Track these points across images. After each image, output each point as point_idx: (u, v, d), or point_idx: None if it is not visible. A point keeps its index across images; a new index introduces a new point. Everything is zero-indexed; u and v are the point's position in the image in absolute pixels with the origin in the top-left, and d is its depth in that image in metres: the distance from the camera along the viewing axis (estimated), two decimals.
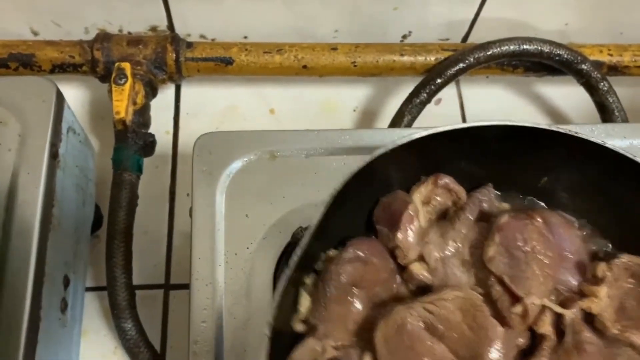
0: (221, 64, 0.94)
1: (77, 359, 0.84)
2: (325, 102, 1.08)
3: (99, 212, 0.95)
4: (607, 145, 0.60)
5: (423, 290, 0.61)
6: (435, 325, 0.57)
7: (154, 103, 0.99)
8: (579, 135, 0.60)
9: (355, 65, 0.97)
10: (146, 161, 0.98)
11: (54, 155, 0.76)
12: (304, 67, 0.95)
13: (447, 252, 0.62)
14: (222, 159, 0.75)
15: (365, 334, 0.60)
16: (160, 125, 1.02)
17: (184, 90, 1.07)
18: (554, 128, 0.61)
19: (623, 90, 1.02)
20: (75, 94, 1.05)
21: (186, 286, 0.94)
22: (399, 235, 0.61)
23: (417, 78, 0.99)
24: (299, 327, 0.61)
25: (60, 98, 0.79)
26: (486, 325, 0.56)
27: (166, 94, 1.06)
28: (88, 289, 0.93)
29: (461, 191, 0.65)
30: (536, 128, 0.61)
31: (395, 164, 0.63)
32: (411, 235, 0.62)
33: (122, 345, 0.82)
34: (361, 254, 0.62)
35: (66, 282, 0.79)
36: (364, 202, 0.65)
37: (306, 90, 1.08)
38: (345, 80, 1.05)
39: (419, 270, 0.61)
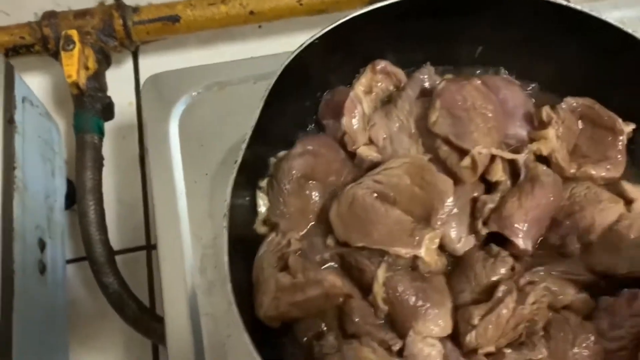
0: (168, 22, 0.95)
1: (65, 323, 0.85)
2: None
3: (72, 187, 0.96)
4: None
5: None
6: (387, 193, 0.57)
7: (114, 77, 1.00)
8: None
9: (301, 5, 0.97)
10: (113, 132, 1.00)
11: (10, 120, 0.77)
12: (251, 13, 0.96)
13: (393, 129, 0.62)
14: (171, 96, 0.76)
15: (325, 222, 0.60)
16: (122, 97, 1.03)
17: (142, 61, 1.08)
18: None
19: None
20: (39, 81, 1.06)
21: None
22: (344, 121, 0.62)
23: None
24: (261, 229, 0.62)
25: (9, 68, 0.80)
26: (435, 181, 0.56)
27: (125, 67, 1.07)
28: (70, 261, 0.93)
29: (399, 72, 0.65)
30: None
31: (329, 56, 0.63)
32: (356, 121, 0.63)
33: (107, 300, 0.82)
34: (310, 147, 0.62)
35: (42, 245, 0.80)
36: (305, 100, 0.66)
37: (262, 43, 1.09)
38: (300, 26, 1.05)
39: (367, 152, 0.62)
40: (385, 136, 0.62)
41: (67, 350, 0.85)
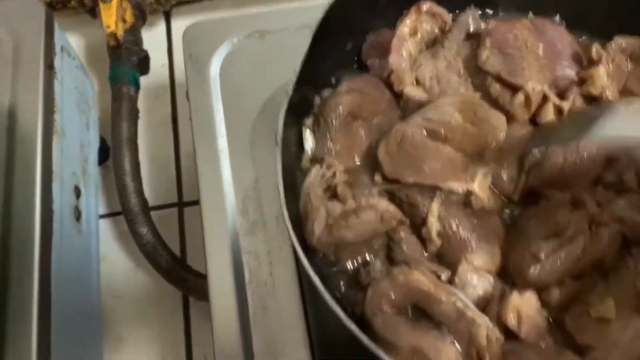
0: None
1: (98, 275, 0.85)
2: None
3: (105, 144, 0.96)
4: None
5: None
6: (437, 130, 0.56)
7: (147, 39, 1.00)
8: None
9: None
10: (146, 93, 1.00)
11: (49, 66, 0.77)
12: None
13: (440, 69, 0.61)
14: (211, 44, 0.75)
15: (372, 162, 0.60)
16: (155, 59, 1.03)
17: (174, 24, 1.09)
18: None
19: None
20: (73, 41, 1.06)
21: (198, 202, 0.95)
22: (391, 59, 0.61)
23: None
24: (307, 165, 0.61)
25: (49, 15, 0.80)
26: (488, 117, 0.55)
27: (158, 29, 1.08)
28: (103, 216, 0.93)
29: (445, 13, 0.64)
30: None
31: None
32: (404, 59, 0.62)
33: (141, 250, 0.82)
34: (356, 85, 0.62)
35: (77, 193, 0.80)
36: (347, 43, 0.65)
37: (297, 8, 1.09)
38: None
39: (414, 92, 0.61)
40: (432, 76, 0.61)
41: (100, 303, 0.85)
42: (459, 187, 0.54)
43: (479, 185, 0.54)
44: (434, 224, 0.53)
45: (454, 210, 0.54)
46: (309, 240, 0.53)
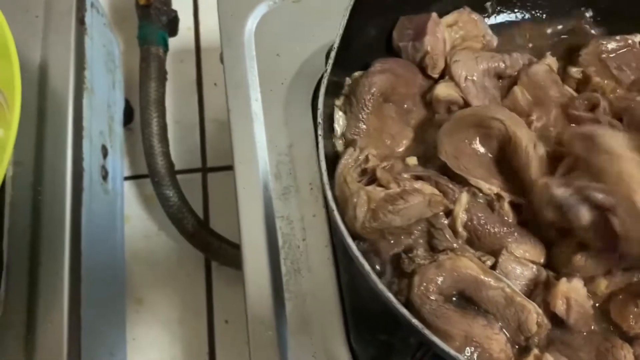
0: None
1: (122, 236, 0.84)
2: None
3: (129, 106, 0.95)
4: None
5: None
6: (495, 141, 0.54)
7: (173, 1, 0.99)
8: None
9: None
10: (171, 56, 0.98)
11: (81, 21, 0.76)
12: None
13: (479, 72, 0.59)
14: (247, 3, 0.74)
15: (407, 146, 0.59)
16: (181, 22, 1.02)
17: None
18: None
19: None
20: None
21: (222, 169, 0.95)
22: (427, 40, 0.59)
23: None
24: (339, 147, 0.59)
25: None
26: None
27: None
28: (127, 178, 0.93)
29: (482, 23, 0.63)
30: None
31: None
32: (439, 41, 0.60)
33: (166, 213, 0.82)
34: (389, 65, 0.59)
35: (104, 152, 0.79)
36: (383, 24, 0.63)
37: None
38: None
39: (445, 92, 0.58)
40: (469, 76, 0.59)
41: (123, 264, 0.85)
42: (488, 187, 0.53)
43: None
44: (459, 214, 0.52)
45: (481, 206, 0.53)
46: (351, 226, 0.51)
